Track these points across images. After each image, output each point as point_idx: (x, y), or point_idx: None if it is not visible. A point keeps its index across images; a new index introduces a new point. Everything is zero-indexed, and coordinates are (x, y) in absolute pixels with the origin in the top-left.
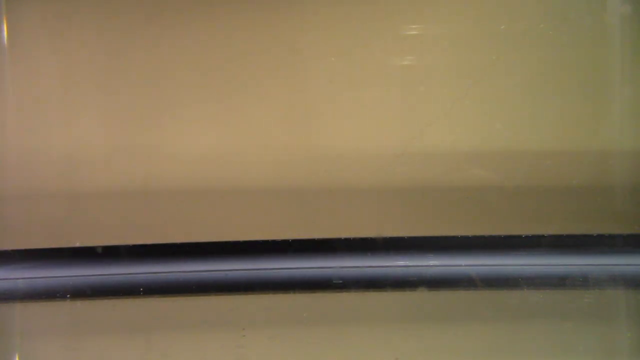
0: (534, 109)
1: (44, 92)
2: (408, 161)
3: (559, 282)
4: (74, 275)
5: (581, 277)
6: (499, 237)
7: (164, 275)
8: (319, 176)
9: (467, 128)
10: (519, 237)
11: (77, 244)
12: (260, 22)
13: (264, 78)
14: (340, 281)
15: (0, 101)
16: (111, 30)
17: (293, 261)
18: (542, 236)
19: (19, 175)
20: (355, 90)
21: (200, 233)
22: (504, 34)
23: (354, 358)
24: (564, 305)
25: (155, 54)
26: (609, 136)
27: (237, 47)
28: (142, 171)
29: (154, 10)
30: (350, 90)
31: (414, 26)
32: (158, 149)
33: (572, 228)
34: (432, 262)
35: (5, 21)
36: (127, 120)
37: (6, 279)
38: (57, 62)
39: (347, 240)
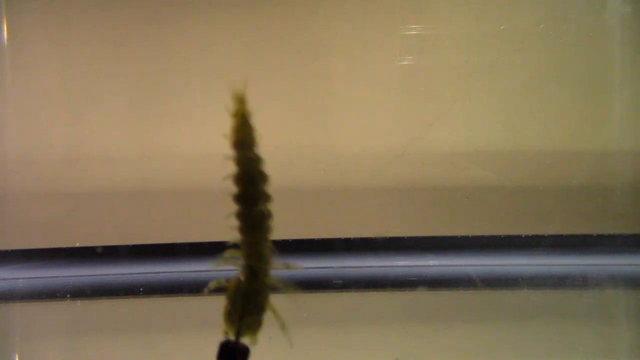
0: (534, 109)
1: (44, 91)
2: (408, 161)
3: (559, 282)
4: (74, 275)
5: (581, 277)
6: (499, 237)
7: (164, 275)
8: (319, 176)
9: (467, 128)
10: (519, 237)
11: (77, 244)
12: (260, 22)
13: (263, 78)
14: (340, 281)
15: (0, 101)
16: (111, 30)
17: (293, 261)
18: (542, 236)
19: (19, 175)
20: (355, 90)
21: (201, 233)
22: (504, 34)
23: (354, 358)
24: (564, 305)
25: (155, 54)
26: (609, 136)
27: (236, 47)
28: (142, 171)
29: (154, 10)
30: (350, 90)
31: (414, 26)
32: (158, 149)
33: (572, 228)
34: (432, 262)
35: (5, 21)
36: (127, 120)
37: (6, 279)
38: (57, 62)
39: (347, 240)
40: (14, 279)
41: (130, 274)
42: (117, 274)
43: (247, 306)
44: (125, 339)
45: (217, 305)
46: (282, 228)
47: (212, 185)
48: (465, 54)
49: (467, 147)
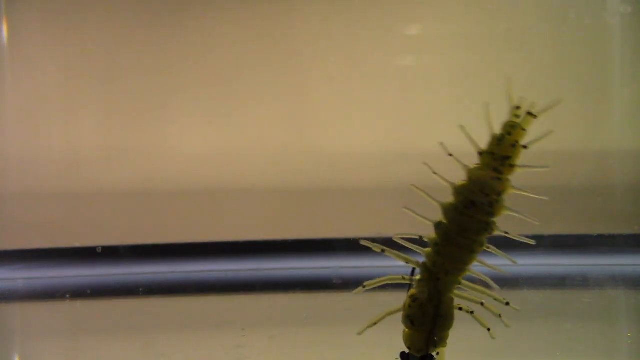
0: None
1: (44, 92)
2: (408, 161)
3: (559, 282)
4: (74, 275)
5: (581, 277)
6: (499, 237)
7: (164, 275)
8: (319, 176)
9: (467, 128)
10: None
11: (77, 244)
12: (259, 22)
13: (263, 78)
14: (340, 281)
15: (0, 101)
16: (111, 30)
17: (293, 261)
18: (542, 236)
19: (19, 175)
20: (355, 90)
21: (200, 233)
22: (504, 34)
23: (354, 358)
24: (564, 305)
25: (155, 54)
26: (609, 136)
27: (236, 47)
28: (142, 171)
29: (154, 11)
30: (350, 90)
31: (414, 26)
32: (158, 149)
33: (572, 228)
34: None
35: (5, 21)
36: (127, 120)
37: (6, 279)
38: (57, 62)
39: (347, 240)
40: (14, 279)
41: (130, 274)
42: (117, 274)
43: (438, 318)
44: (125, 339)
45: (215, 305)
46: (282, 228)
47: (212, 185)
48: (465, 54)
49: (467, 147)
